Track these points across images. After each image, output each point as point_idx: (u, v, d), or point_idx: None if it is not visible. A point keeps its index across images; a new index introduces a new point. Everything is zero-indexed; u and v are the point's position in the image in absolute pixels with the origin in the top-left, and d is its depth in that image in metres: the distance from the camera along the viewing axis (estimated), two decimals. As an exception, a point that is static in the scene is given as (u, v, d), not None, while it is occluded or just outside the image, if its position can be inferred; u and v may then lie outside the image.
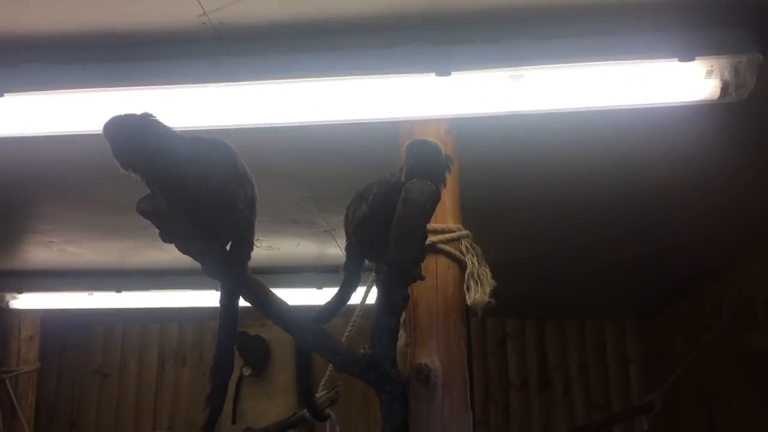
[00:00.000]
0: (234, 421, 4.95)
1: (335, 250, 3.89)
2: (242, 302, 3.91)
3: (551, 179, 2.65)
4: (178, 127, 2.04)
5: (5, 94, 1.91)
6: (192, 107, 1.98)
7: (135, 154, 1.44)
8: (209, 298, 4.30)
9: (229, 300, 1.68)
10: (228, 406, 5.01)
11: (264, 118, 2.02)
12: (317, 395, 2.42)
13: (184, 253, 1.61)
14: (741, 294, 3.67)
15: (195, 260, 1.64)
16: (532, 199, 2.89)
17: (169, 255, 3.95)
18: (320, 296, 4.06)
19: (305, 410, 2.46)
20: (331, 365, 2.45)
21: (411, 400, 2.05)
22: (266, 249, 3.78)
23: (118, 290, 4.17)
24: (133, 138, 1.42)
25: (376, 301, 1.91)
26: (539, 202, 2.94)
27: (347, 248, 1.95)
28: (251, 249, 1.67)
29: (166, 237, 1.54)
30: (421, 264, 1.84)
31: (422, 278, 1.82)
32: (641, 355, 5.51)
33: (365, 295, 2.47)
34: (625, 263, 4.13)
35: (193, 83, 1.89)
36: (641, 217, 3.16)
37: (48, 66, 1.92)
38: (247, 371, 5.02)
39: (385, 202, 1.75)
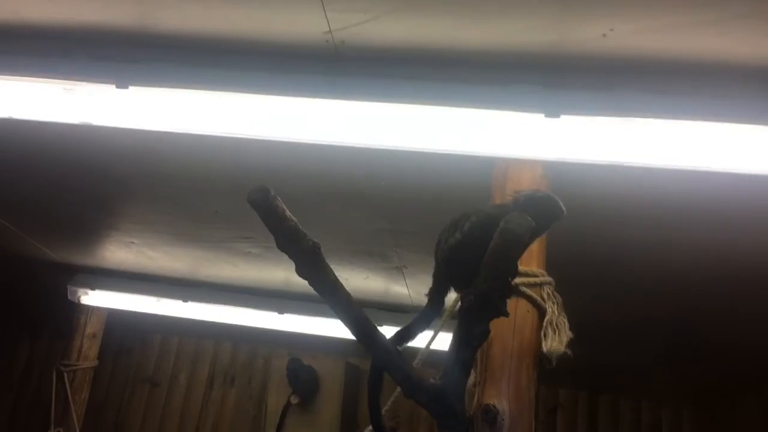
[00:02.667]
0: (276, 448, 4.93)
1: (402, 288, 3.89)
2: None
3: (640, 240, 2.61)
4: (276, 137, 2.14)
5: (130, 87, 2.02)
6: (300, 119, 2.05)
7: None
8: (269, 320, 4.36)
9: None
10: (272, 433, 5.01)
11: (367, 138, 2.08)
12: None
13: (279, 246, 1.64)
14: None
15: (288, 255, 1.67)
16: (615, 258, 2.85)
17: (239, 270, 4.03)
18: (380, 333, 4.05)
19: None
20: (395, 393, 2.44)
21: (474, 440, 2.02)
22: (335, 278, 3.81)
23: (185, 300, 4.26)
24: None
25: (455, 331, 1.90)
26: (621, 263, 2.89)
27: (434, 275, 1.95)
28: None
29: (270, 228, 1.59)
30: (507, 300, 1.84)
31: (507, 314, 1.81)
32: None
33: (438, 329, 2.46)
34: (691, 345, 4.00)
35: (305, 96, 1.96)
36: (719, 297, 3.07)
37: (173, 65, 2.03)
38: (294, 400, 5.00)
39: (482, 231, 1.75)
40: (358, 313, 1.74)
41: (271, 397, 5.21)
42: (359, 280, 3.86)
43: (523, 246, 1.70)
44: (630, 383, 5.36)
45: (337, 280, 1.70)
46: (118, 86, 2.02)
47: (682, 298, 3.25)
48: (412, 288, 3.85)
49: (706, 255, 2.70)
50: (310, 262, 1.63)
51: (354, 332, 1.79)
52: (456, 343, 1.89)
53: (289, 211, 1.58)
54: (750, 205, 2.21)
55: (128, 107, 2.11)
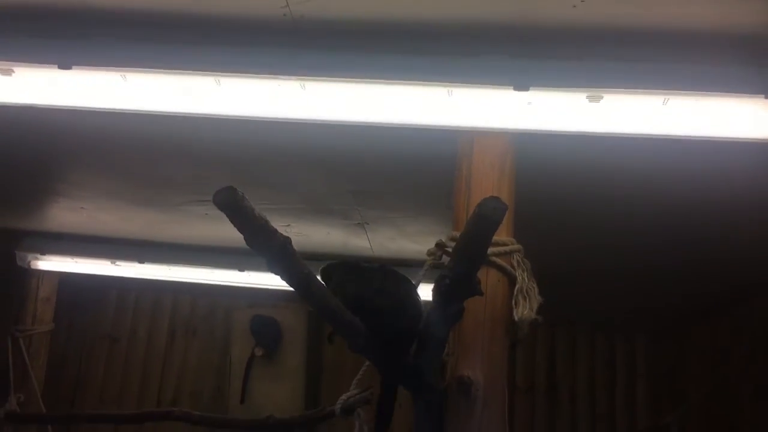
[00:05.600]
0: (242, 401, 4.97)
1: (363, 242, 3.87)
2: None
3: (605, 199, 2.63)
4: (242, 116, 2.05)
5: (73, 67, 1.89)
6: (260, 97, 1.95)
7: None
8: (230, 276, 4.31)
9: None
10: (238, 386, 5.02)
11: (330, 114, 2.00)
12: (348, 394, 2.40)
13: (249, 245, 1.58)
14: (762, 325, 3.66)
15: (258, 253, 1.61)
16: (579, 215, 2.88)
17: (196, 230, 3.94)
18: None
19: (335, 407, 2.45)
20: (365, 364, 2.44)
21: (448, 411, 2.05)
22: (296, 235, 3.76)
23: (141, 261, 4.16)
24: None
25: (430, 311, 1.89)
26: (585, 218, 2.92)
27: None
28: None
29: (238, 228, 1.53)
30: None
31: (481, 293, 1.81)
32: (651, 372, 5.49)
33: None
34: (648, 278, 4.09)
35: (264, 74, 1.86)
36: (679, 237, 3.13)
37: (118, 42, 1.90)
38: (259, 352, 5.01)
39: None
40: (335, 304, 1.71)
41: (234, 349, 5.21)
42: (320, 236, 3.83)
43: (495, 229, 1.68)
44: (585, 315, 5.52)
45: (311, 272, 1.66)
46: (60, 67, 1.89)
47: (635, 234, 3.29)
48: (373, 241, 3.84)
49: (666, 206, 2.75)
50: (282, 258, 1.58)
51: (332, 323, 1.76)
52: (432, 321, 1.89)
53: (257, 210, 1.52)
54: (707, 167, 2.23)
55: (72, 88, 1.98)
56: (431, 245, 2.23)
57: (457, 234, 2.15)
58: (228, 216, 1.50)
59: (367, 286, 1.78)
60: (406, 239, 3.72)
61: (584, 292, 4.62)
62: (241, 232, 1.54)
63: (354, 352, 1.86)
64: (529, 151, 2.18)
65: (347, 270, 1.84)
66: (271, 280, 4.37)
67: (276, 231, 1.57)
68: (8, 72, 1.92)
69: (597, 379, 5.59)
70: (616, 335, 5.65)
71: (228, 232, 4.04)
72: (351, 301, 1.73)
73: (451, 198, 2.30)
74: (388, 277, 1.82)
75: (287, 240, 1.58)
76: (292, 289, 1.72)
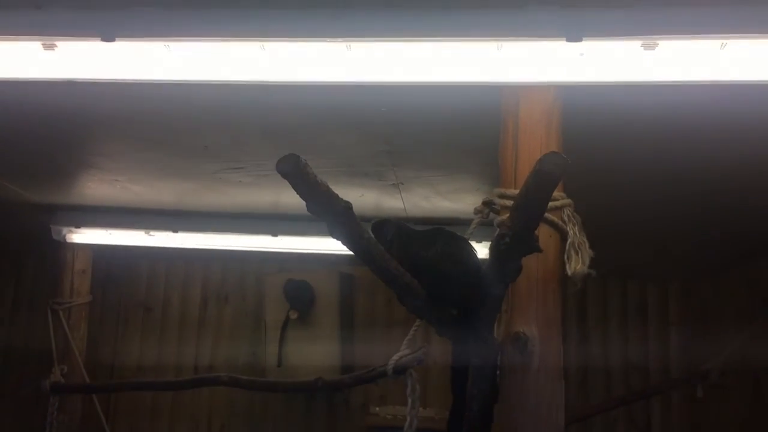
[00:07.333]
0: (279, 364, 5.02)
1: (397, 203, 3.86)
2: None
3: (654, 151, 2.59)
4: (287, 81, 2.02)
5: (116, 39, 1.86)
6: (305, 61, 1.92)
7: None
8: (263, 242, 4.33)
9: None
10: (274, 349, 5.07)
11: (376, 76, 1.97)
12: (400, 354, 2.42)
13: (311, 211, 1.58)
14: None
15: (320, 218, 1.61)
16: (627, 168, 2.84)
17: (228, 197, 3.94)
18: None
19: (387, 367, 2.47)
20: (417, 323, 2.45)
21: (504, 367, 2.06)
22: (329, 198, 3.75)
23: (175, 230, 4.18)
24: None
25: (487, 268, 1.89)
26: (632, 173, 2.88)
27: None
28: None
29: (300, 195, 1.52)
30: (536, 235, 1.82)
31: (540, 250, 1.80)
32: (683, 318, 5.49)
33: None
34: (689, 228, 4.05)
35: (309, 37, 1.83)
36: (731, 186, 3.08)
37: (161, 12, 1.86)
38: (293, 315, 5.05)
39: None
40: (394, 267, 1.71)
41: (269, 313, 5.25)
42: (354, 198, 3.76)
43: (556, 185, 1.66)
44: (617, 264, 5.49)
45: (371, 236, 1.66)
46: (103, 39, 1.86)
47: (684, 185, 3.24)
48: (407, 201, 3.83)
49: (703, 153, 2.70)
50: (343, 222, 1.58)
51: (391, 285, 1.77)
52: (489, 279, 1.89)
53: (319, 177, 1.51)
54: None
55: (116, 60, 1.96)
56: (465, 203, 2.22)
57: (505, 191, 2.15)
58: (291, 183, 1.50)
59: (432, 250, 1.78)
60: (441, 198, 3.70)
61: (625, 246, 4.58)
62: (304, 199, 1.54)
63: (413, 314, 1.88)
64: (576, 104, 2.15)
65: (411, 234, 1.84)
66: (305, 245, 4.39)
67: (337, 196, 1.57)
68: (51, 47, 1.89)
69: (629, 328, 5.60)
70: (648, 282, 5.64)
71: (262, 198, 4.07)
72: (418, 265, 1.74)
73: (492, 154, 2.28)
74: (451, 241, 1.82)
75: (348, 205, 1.58)
76: (352, 252, 1.73)
